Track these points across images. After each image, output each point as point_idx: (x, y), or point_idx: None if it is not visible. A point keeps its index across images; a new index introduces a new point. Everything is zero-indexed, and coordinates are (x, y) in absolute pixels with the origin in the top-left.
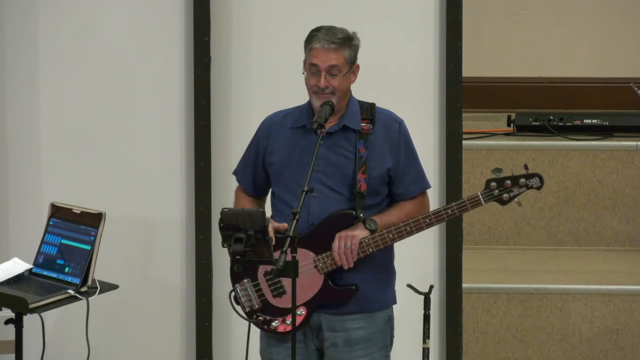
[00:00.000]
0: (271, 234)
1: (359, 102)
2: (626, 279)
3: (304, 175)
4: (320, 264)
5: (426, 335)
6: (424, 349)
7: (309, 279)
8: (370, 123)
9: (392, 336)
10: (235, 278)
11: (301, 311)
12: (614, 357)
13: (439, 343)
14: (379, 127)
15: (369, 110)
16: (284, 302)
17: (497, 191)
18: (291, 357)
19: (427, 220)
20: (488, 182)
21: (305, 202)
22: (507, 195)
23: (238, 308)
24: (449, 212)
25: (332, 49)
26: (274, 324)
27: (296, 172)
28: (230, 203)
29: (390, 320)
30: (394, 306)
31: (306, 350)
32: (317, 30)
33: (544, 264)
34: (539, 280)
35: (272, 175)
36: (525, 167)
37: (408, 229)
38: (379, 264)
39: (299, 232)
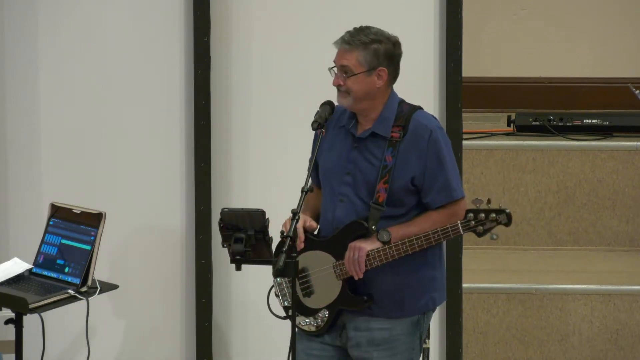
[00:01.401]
0: (300, 231)
1: (404, 105)
2: (626, 279)
3: (337, 178)
4: (338, 271)
5: (426, 335)
6: (424, 349)
7: (330, 283)
8: (402, 130)
9: (421, 339)
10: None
11: (325, 313)
12: (614, 357)
13: (439, 343)
14: (410, 135)
15: (405, 117)
16: (311, 302)
17: (473, 222)
18: (291, 356)
19: (419, 242)
20: (466, 212)
21: (332, 206)
22: (481, 227)
23: (274, 306)
24: (435, 236)
25: (345, 50)
26: (302, 322)
27: (331, 174)
28: (229, 203)
29: (419, 323)
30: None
31: (331, 350)
32: (349, 30)
33: (544, 264)
34: (539, 280)
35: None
36: (499, 204)
37: (404, 247)
38: (404, 271)
39: (325, 234)
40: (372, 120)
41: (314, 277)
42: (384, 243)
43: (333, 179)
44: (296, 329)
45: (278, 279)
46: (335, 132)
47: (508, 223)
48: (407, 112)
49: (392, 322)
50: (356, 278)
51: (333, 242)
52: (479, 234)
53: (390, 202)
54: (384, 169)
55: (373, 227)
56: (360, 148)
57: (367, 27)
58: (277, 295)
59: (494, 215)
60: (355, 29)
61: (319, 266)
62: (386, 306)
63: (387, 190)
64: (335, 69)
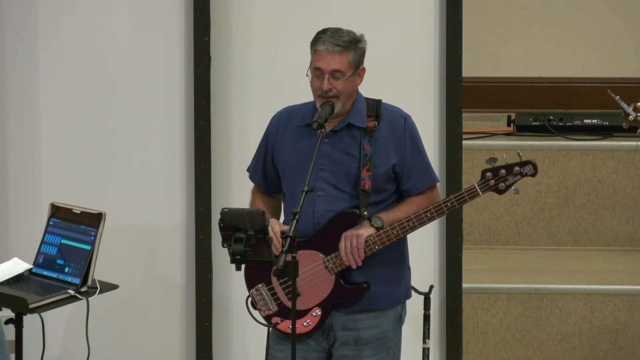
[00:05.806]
0: (277, 235)
1: (366, 99)
2: (626, 279)
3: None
4: (330, 264)
5: (426, 335)
6: (424, 349)
7: (321, 279)
8: (375, 120)
9: (401, 334)
10: (250, 283)
11: (317, 312)
12: (614, 357)
13: (439, 343)
14: (385, 123)
15: (374, 107)
16: (299, 304)
17: (493, 181)
18: (291, 357)
19: (429, 214)
20: (483, 172)
21: (310, 201)
22: (503, 184)
23: (255, 314)
24: (449, 204)
25: (337, 52)
26: (290, 326)
27: (301, 171)
28: (229, 203)
29: (401, 318)
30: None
31: (313, 352)
32: (323, 32)
33: (544, 264)
34: (539, 280)
35: (280, 173)
36: (518, 154)
37: (411, 224)
38: (389, 261)
39: (305, 232)
40: (343, 114)
41: (299, 278)
42: (377, 229)
43: (303, 177)
44: (281, 334)
45: (254, 290)
46: (294, 131)
47: (535, 173)
48: (374, 103)
49: (378, 318)
50: (354, 267)
51: (320, 238)
52: (501, 191)
53: (373, 190)
54: (364, 158)
55: (365, 213)
56: (333, 142)
57: (338, 29)
58: (255, 308)
59: (517, 168)
60: (330, 31)
61: (305, 266)
62: (374, 297)
63: (371, 178)
64: (318, 72)
